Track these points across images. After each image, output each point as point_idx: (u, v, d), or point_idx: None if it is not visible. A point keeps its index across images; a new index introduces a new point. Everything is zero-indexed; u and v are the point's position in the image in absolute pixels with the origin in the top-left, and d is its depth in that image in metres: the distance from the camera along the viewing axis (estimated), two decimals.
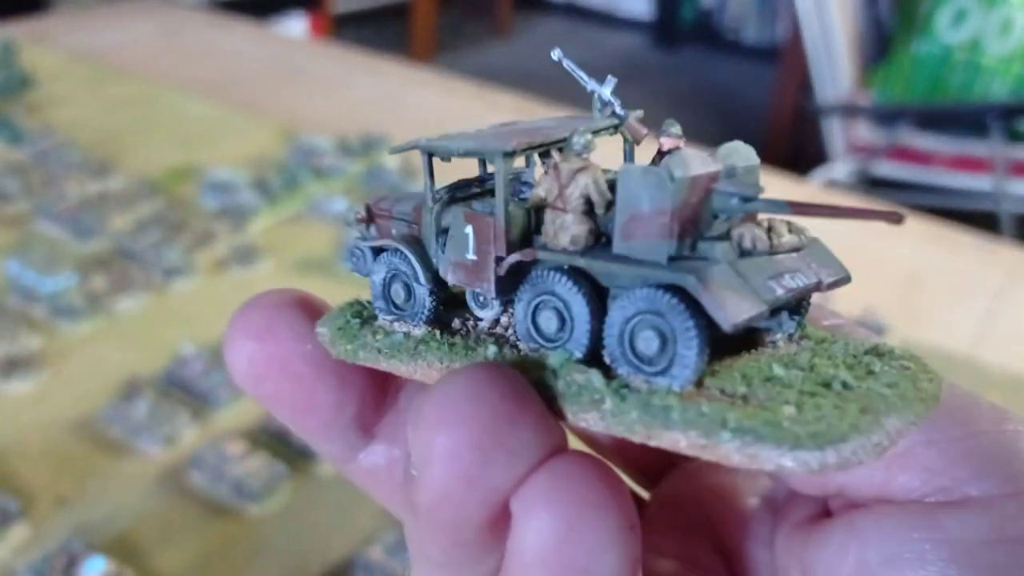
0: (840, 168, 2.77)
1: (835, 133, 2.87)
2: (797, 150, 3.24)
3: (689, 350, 0.27)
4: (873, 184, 2.72)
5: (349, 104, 1.66)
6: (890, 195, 2.32)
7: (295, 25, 3.45)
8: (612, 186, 0.30)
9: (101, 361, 0.98)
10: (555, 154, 0.33)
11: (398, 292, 0.35)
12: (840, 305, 1.04)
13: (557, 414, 0.28)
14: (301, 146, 1.42)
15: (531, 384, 0.28)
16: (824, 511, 0.31)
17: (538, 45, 4.82)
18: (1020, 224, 2.49)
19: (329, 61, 1.91)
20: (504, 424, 0.26)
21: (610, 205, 0.30)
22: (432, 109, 1.66)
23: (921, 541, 0.27)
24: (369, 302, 0.36)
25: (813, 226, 0.30)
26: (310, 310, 0.34)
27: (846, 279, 0.31)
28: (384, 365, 0.33)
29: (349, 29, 3.73)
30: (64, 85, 1.64)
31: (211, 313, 1.06)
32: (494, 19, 4.92)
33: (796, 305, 0.31)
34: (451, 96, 1.72)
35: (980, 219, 1.74)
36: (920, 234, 1.32)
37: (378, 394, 0.35)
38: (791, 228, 0.30)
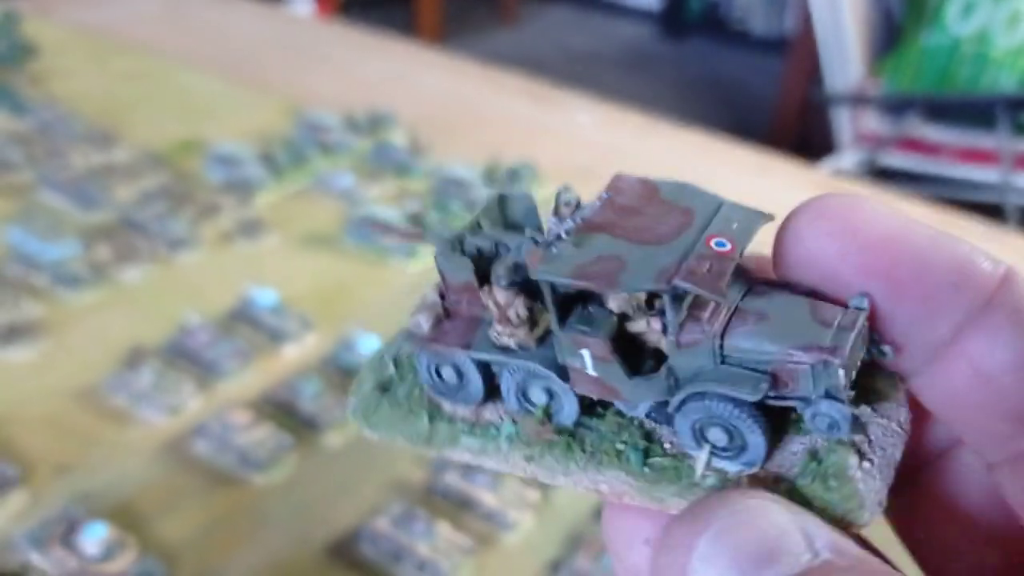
0: (848, 158, 2.76)
1: (843, 123, 2.86)
2: (805, 140, 3.22)
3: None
4: (880, 174, 2.70)
5: (356, 83, 1.65)
6: (897, 185, 2.30)
7: (301, 8, 3.43)
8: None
9: (104, 330, 0.97)
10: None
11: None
12: None
13: None
14: (308, 121, 1.40)
15: None
16: None
17: (545, 34, 4.79)
18: None
19: (336, 41, 1.89)
20: None
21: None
22: (439, 90, 1.65)
23: None
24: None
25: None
26: None
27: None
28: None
29: (355, 14, 3.70)
30: (68, 57, 1.62)
31: (216, 285, 1.05)
32: (501, 7, 4.90)
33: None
34: (459, 77, 1.71)
35: (986, 211, 1.73)
36: (928, 220, 1.31)
37: None
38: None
